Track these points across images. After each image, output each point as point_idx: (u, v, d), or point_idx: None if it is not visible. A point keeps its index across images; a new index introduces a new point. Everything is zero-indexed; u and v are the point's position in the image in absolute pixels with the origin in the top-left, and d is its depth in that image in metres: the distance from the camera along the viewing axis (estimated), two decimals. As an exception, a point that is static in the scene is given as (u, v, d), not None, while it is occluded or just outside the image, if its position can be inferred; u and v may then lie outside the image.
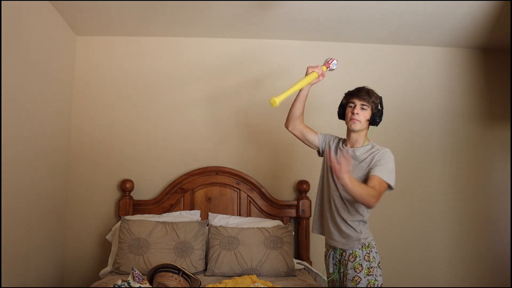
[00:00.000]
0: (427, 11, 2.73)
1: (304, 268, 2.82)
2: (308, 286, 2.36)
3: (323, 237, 2.15)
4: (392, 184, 1.93)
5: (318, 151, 2.26)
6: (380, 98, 2.08)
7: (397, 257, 3.16)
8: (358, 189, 1.80)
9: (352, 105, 2.05)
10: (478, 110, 3.35)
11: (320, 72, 2.10)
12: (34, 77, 2.50)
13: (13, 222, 2.28)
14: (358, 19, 2.87)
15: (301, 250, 3.02)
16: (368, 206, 1.89)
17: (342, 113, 2.14)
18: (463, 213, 3.25)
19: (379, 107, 2.07)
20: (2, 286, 2.14)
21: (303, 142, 2.27)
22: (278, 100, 1.90)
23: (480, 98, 3.36)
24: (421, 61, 3.36)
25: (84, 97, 3.15)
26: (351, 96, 2.08)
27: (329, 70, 2.20)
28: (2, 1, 2.09)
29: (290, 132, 2.26)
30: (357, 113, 2.02)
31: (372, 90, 2.07)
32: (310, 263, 2.98)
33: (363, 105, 2.03)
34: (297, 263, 2.82)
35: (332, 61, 2.17)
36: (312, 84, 2.14)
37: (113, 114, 3.15)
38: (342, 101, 2.15)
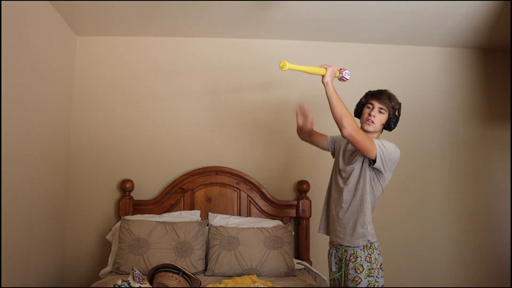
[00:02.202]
0: (427, 11, 2.73)
1: (304, 268, 2.82)
2: (308, 286, 2.36)
3: (323, 237, 2.16)
4: (377, 152, 1.87)
5: (332, 153, 2.29)
6: (400, 104, 2.06)
7: (397, 257, 3.16)
8: (340, 102, 1.84)
9: (370, 106, 2.04)
10: (478, 110, 3.35)
11: (333, 70, 1.98)
12: (35, 77, 2.50)
13: (13, 222, 2.28)
14: (358, 19, 2.87)
15: (301, 250, 3.02)
16: (340, 124, 1.83)
17: (359, 111, 2.11)
18: (463, 213, 3.25)
19: (396, 113, 2.05)
20: (2, 286, 2.14)
21: (318, 147, 2.33)
22: (288, 66, 1.85)
23: (480, 98, 3.36)
24: (421, 61, 3.36)
25: (84, 97, 3.15)
26: (371, 96, 2.06)
27: (340, 78, 2.09)
28: (2, 1, 2.08)
29: (303, 141, 2.33)
30: (373, 116, 2.00)
31: (393, 95, 2.05)
32: (310, 263, 2.98)
33: (381, 108, 2.01)
34: (297, 263, 2.82)
35: (344, 70, 2.08)
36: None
37: (113, 114, 3.15)
38: (361, 100, 2.12)
